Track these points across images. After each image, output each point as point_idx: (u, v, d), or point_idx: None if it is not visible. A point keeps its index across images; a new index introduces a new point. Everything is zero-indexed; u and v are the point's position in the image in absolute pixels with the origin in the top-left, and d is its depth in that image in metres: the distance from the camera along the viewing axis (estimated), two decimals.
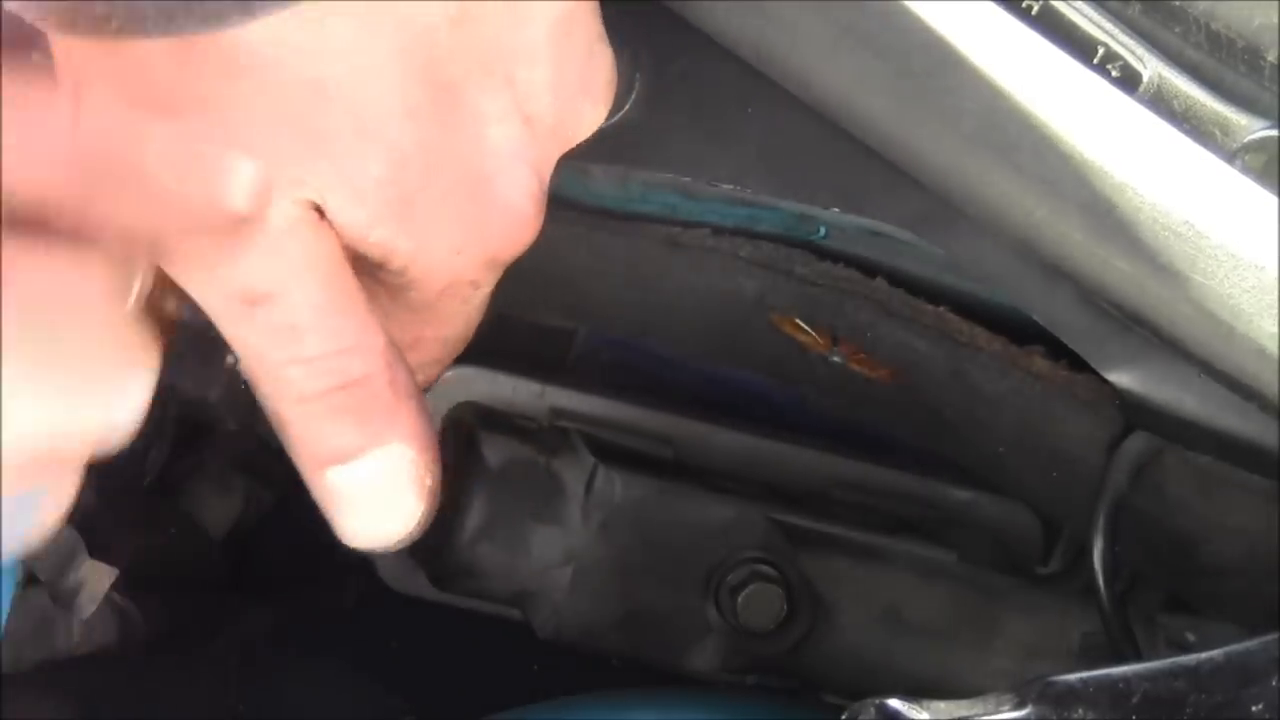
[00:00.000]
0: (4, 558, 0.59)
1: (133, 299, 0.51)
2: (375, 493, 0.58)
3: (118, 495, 0.84)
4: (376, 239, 0.57)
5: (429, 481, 0.59)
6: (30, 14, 0.47)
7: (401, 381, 0.58)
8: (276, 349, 0.57)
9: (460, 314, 0.62)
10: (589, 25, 0.60)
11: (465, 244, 0.59)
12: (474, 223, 0.59)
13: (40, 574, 0.73)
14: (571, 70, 0.59)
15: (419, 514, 0.59)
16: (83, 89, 0.54)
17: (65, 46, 0.53)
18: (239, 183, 0.51)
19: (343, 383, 0.57)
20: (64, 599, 0.74)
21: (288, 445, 0.59)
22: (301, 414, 0.57)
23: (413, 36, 0.55)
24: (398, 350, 0.59)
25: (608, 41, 0.61)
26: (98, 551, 0.74)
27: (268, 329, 0.56)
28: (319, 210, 0.56)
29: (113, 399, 0.47)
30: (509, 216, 0.59)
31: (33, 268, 0.44)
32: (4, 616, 0.67)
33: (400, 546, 0.60)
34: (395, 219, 0.57)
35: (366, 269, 0.59)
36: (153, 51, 0.53)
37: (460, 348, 0.65)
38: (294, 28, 0.53)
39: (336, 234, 0.57)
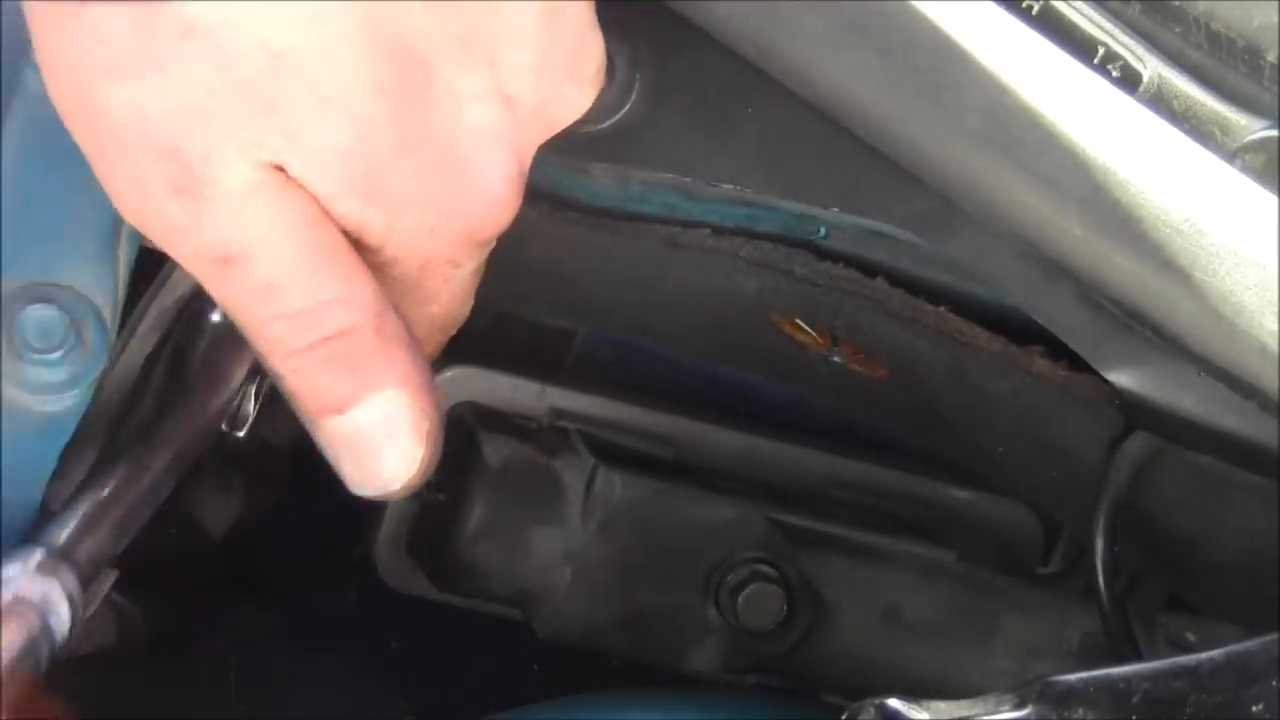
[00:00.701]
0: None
1: None
2: (374, 439, 0.60)
3: None
4: (344, 210, 0.57)
5: (427, 425, 0.60)
6: None
7: (390, 329, 0.59)
8: (257, 307, 0.58)
9: (444, 292, 0.62)
10: (582, 11, 0.60)
11: (439, 222, 0.59)
12: (448, 201, 0.59)
13: None
14: (560, 54, 0.59)
15: (420, 457, 0.60)
16: (43, 57, 0.56)
17: (31, 12, 0.55)
18: None
19: (326, 334, 0.58)
20: None
21: (288, 399, 0.60)
22: (293, 368, 0.59)
23: (380, 11, 0.55)
24: (385, 300, 0.59)
25: (599, 29, 0.61)
26: None
27: (244, 288, 0.57)
28: (284, 172, 0.56)
29: None
30: (484, 197, 0.59)
31: None
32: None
33: (406, 493, 0.61)
34: (362, 192, 0.57)
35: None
36: (112, 18, 0.54)
37: (453, 328, 0.65)
38: None
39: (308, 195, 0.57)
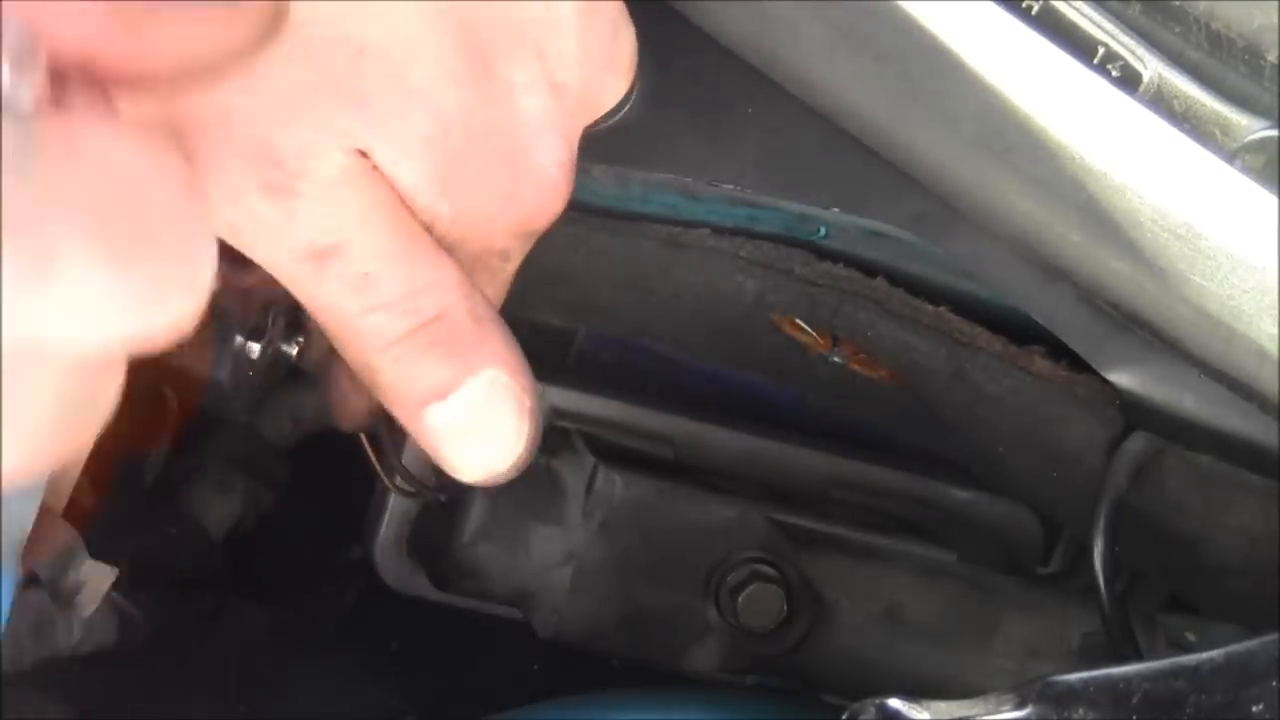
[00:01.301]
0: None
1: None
2: (478, 421, 0.59)
3: (118, 495, 0.84)
4: (421, 203, 0.58)
5: (529, 402, 0.60)
6: None
7: (482, 310, 0.59)
8: (353, 299, 0.58)
9: (489, 287, 0.63)
10: (615, 6, 0.61)
11: (499, 211, 0.60)
12: (508, 190, 0.60)
13: (40, 574, 0.73)
14: (598, 44, 0.60)
15: (525, 435, 0.60)
16: None
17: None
18: None
19: (424, 320, 0.58)
20: (64, 599, 0.74)
21: (382, 396, 0.60)
22: (390, 359, 0.58)
23: (447, 5, 0.56)
24: (471, 281, 0.59)
25: (631, 24, 0.62)
26: (98, 551, 0.74)
27: (341, 281, 0.57)
28: (369, 160, 0.57)
29: (182, 296, 0.43)
30: (542, 184, 0.60)
31: (101, 140, 0.41)
32: (4, 617, 0.67)
33: (515, 474, 0.61)
34: (440, 182, 0.58)
35: None
36: None
37: None
38: None
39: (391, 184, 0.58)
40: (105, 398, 0.42)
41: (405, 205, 0.58)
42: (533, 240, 0.63)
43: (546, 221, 0.61)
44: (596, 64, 0.60)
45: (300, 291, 0.58)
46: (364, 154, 0.57)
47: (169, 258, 0.40)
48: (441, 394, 0.59)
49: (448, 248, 0.60)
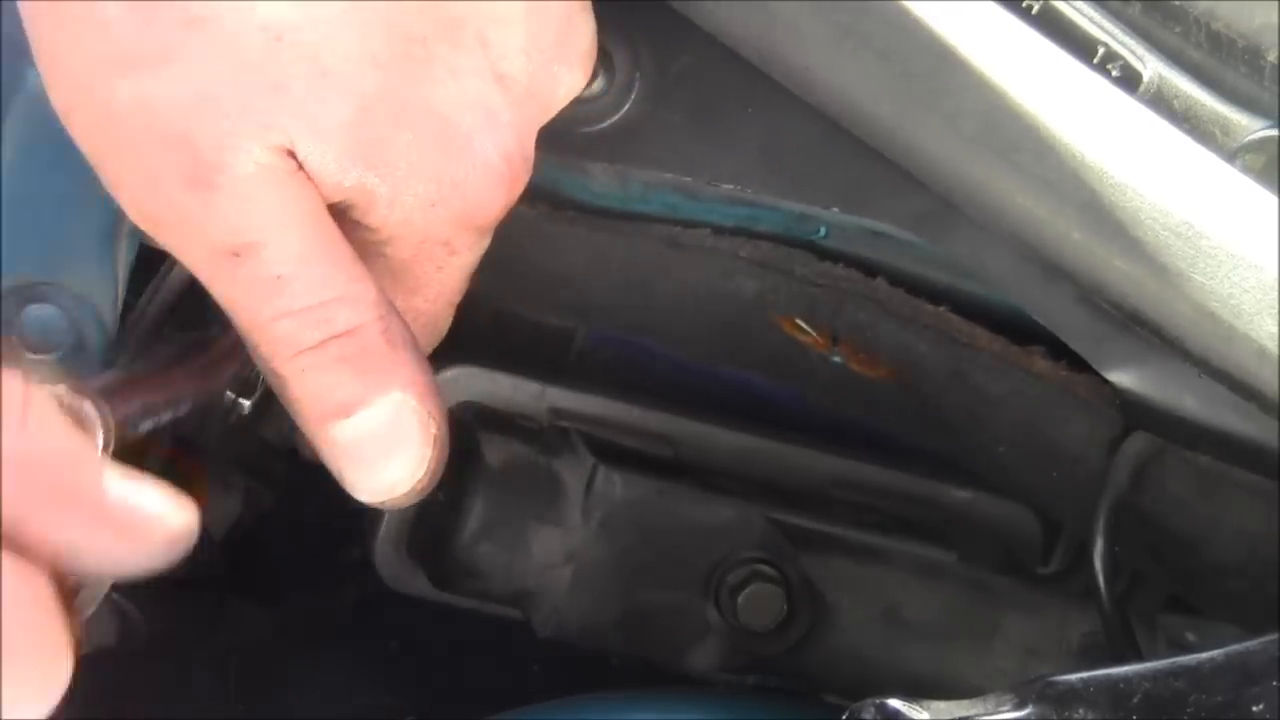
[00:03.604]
0: None
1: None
2: (381, 443, 0.59)
3: None
4: (351, 181, 0.58)
5: (434, 429, 0.59)
6: None
7: (396, 330, 0.59)
8: (265, 302, 0.57)
9: (435, 282, 0.62)
10: None
11: (440, 196, 0.59)
12: (448, 175, 0.59)
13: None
14: (547, 34, 0.60)
15: (427, 461, 0.60)
16: (45, 57, 0.56)
17: (31, 13, 0.55)
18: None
19: (335, 333, 0.58)
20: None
21: (289, 405, 0.59)
22: (298, 369, 0.58)
23: None
24: (389, 301, 0.59)
25: (591, 13, 0.61)
26: None
27: (253, 281, 0.57)
28: (293, 159, 0.57)
29: (38, 700, 0.49)
30: (484, 172, 0.60)
31: None
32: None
33: (412, 500, 0.60)
34: (365, 161, 0.57)
35: (344, 227, 0.59)
36: (115, 11, 0.54)
37: (440, 332, 0.65)
38: None
39: (314, 185, 0.57)
40: None
41: (329, 198, 0.58)
42: (483, 236, 0.62)
43: (494, 214, 0.61)
44: (545, 55, 0.60)
45: (214, 288, 0.58)
46: (290, 153, 0.56)
47: (21, 669, 0.47)
48: (347, 411, 0.58)
49: (388, 235, 0.60)
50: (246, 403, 0.68)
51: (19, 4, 0.55)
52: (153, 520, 0.50)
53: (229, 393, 0.69)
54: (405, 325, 0.60)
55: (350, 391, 0.58)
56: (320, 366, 0.58)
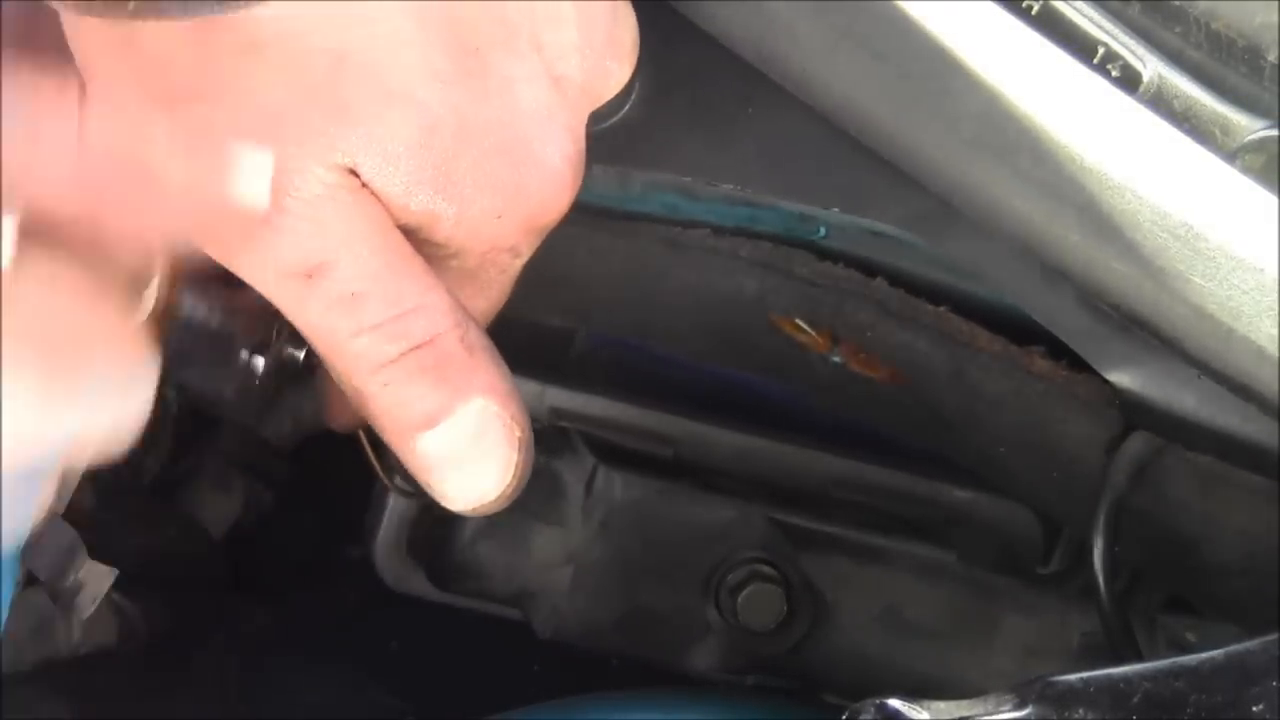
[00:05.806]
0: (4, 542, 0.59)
1: (146, 308, 0.52)
2: (469, 451, 0.59)
3: (118, 495, 0.84)
4: (418, 206, 0.57)
5: (519, 433, 0.59)
6: None
7: (473, 337, 0.59)
8: (341, 320, 0.57)
9: (497, 284, 0.62)
10: None
11: (506, 207, 0.59)
12: (513, 185, 0.59)
13: (40, 574, 0.73)
14: (598, 31, 0.60)
15: (516, 465, 0.59)
16: (98, 87, 0.55)
17: (82, 45, 0.54)
18: (248, 171, 0.52)
19: (413, 345, 0.58)
20: (64, 599, 0.74)
21: (373, 421, 0.59)
22: (379, 384, 0.58)
23: (429, 6, 0.56)
24: (463, 307, 0.59)
25: (630, 6, 0.61)
26: (98, 551, 0.74)
27: (328, 301, 0.57)
28: (357, 177, 0.56)
29: (118, 412, 0.47)
30: (547, 177, 0.60)
31: (44, 284, 0.45)
32: (4, 616, 0.67)
33: (502, 506, 0.60)
34: (433, 184, 0.57)
35: (411, 242, 0.59)
36: (171, 41, 0.54)
37: (489, 322, 0.65)
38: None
39: (380, 202, 0.57)
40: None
41: (395, 220, 0.58)
42: (543, 235, 0.62)
43: (556, 215, 0.61)
44: (597, 52, 0.60)
45: (289, 311, 0.58)
46: (353, 171, 0.56)
47: (99, 376, 0.46)
48: (432, 421, 0.58)
49: (456, 249, 0.60)
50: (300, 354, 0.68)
51: (70, 43, 0.54)
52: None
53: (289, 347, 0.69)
54: (481, 331, 0.60)
55: (433, 402, 0.58)
56: (401, 380, 0.58)
